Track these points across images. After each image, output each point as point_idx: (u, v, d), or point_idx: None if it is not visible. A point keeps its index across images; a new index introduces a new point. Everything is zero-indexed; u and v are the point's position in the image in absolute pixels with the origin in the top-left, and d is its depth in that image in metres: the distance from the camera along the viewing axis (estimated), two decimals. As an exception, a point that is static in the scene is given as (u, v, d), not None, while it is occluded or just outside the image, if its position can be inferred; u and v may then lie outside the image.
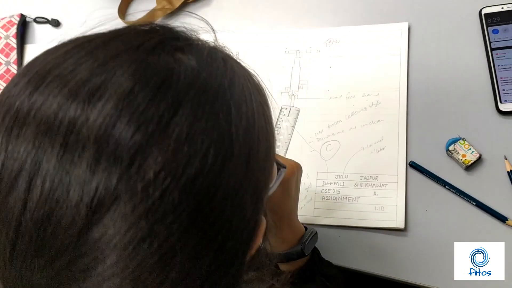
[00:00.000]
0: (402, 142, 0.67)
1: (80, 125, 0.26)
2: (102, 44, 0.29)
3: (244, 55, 0.81)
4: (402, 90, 0.70)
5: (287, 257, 0.58)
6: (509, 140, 0.64)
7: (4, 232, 0.26)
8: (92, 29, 0.31)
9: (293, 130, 0.73)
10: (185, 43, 0.31)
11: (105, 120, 0.26)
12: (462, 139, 0.64)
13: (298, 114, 0.74)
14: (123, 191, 0.25)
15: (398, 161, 0.66)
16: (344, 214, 0.66)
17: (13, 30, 0.91)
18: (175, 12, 0.86)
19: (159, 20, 0.87)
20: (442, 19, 0.73)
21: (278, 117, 0.74)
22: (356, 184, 0.67)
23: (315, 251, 0.61)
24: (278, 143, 0.72)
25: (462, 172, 0.64)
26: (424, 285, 0.60)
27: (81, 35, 0.31)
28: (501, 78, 0.66)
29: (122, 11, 0.89)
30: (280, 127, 0.73)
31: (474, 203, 0.61)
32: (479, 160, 0.63)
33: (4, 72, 0.89)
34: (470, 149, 0.63)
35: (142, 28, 0.31)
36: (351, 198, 0.66)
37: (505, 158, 0.63)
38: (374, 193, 0.66)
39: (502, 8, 0.70)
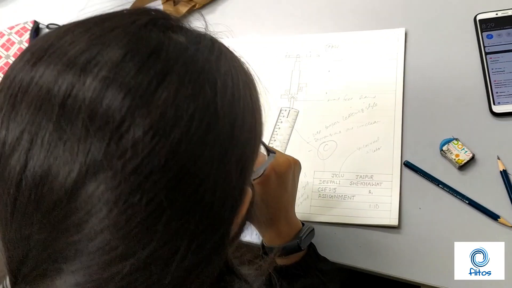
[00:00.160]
0: (397, 142, 0.69)
1: (75, 92, 0.28)
2: (99, 21, 0.32)
3: (246, 59, 0.84)
4: (398, 92, 0.72)
5: (283, 251, 0.59)
6: (502, 141, 0.65)
7: (6, 190, 0.29)
8: None
9: (291, 130, 0.75)
10: (176, 24, 0.34)
11: (97, 87, 0.28)
12: (456, 139, 0.66)
13: (297, 115, 0.76)
14: (114, 149, 0.27)
15: (393, 161, 0.68)
16: (339, 211, 0.67)
17: (27, 35, 0.95)
18: (181, 19, 0.90)
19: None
20: (438, 25, 0.75)
21: (278, 118, 0.76)
22: (352, 182, 0.69)
23: (312, 247, 0.62)
24: (277, 143, 0.74)
25: (455, 171, 0.65)
26: (416, 281, 0.61)
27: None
28: (495, 81, 0.68)
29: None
30: (279, 127, 0.75)
31: (467, 202, 0.62)
32: (472, 160, 0.64)
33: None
34: (464, 149, 0.65)
35: (137, 9, 0.34)
36: (347, 196, 0.68)
37: (498, 158, 0.64)
38: (369, 192, 0.67)
39: (497, 14, 0.72)
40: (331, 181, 0.70)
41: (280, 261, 0.61)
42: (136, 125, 0.28)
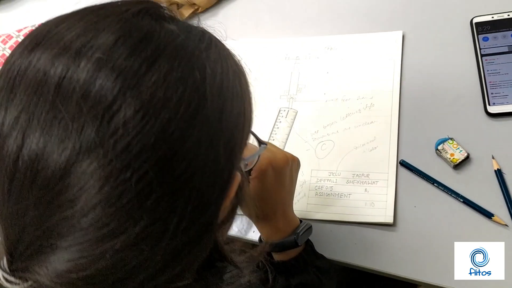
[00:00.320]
0: (394, 142, 0.70)
1: (70, 74, 0.30)
2: (95, 10, 0.33)
3: (247, 61, 0.86)
4: (395, 93, 0.73)
5: (280, 246, 0.60)
6: (496, 141, 0.66)
7: (4, 169, 0.30)
8: None
9: (290, 130, 0.76)
10: (169, 15, 0.36)
11: (91, 69, 0.30)
12: (451, 139, 0.67)
13: (296, 115, 0.77)
14: (106, 128, 0.29)
15: (389, 160, 0.69)
16: (336, 209, 0.68)
17: (34, 37, 0.97)
18: (184, 22, 0.92)
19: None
20: (436, 28, 0.77)
21: (277, 118, 0.78)
22: (349, 181, 0.70)
23: (309, 244, 0.63)
24: (276, 142, 0.75)
25: (450, 170, 0.66)
26: (411, 278, 0.62)
27: None
28: (490, 82, 0.69)
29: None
30: (278, 127, 0.77)
31: (461, 200, 0.63)
32: (467, 159, 0.65)
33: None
34: (458, 148, 0.66)
35: (132, 0, 0.35)
36: (343, 195, 0.69)
37: (493, 158, 0.65)
38: (365, 190, 0.68)
39: (493, 17, 0.74)
40: (328, 179, 0.71)
41: (277, 257, 0.62)
42: (127, 105, 0.29)
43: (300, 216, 0.67)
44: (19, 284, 0.33)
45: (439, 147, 0.66)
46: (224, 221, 0.38)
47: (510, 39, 0.71)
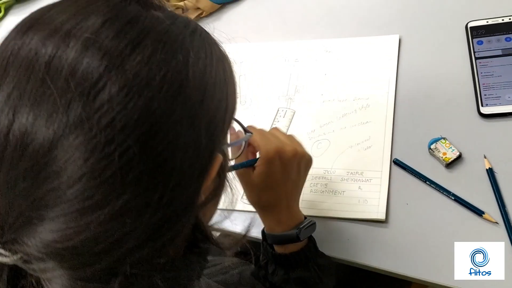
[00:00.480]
0: (388, 141, 0.71)
1: (60, 53, 0.32)
2: None
3: (248, 63, 0.88)
4: (391, 94, 0.75)
5: (281, 239, 0.61)
6: (489, 141, 0.67)
7: None
8: None
9: (287, 129, 0.78)
10: (157, 4, 0.38)
11: (79, 48, 0.32)
12: (444, 138, 0.68)
13: (293, 115, 0.79)
14: (92, 103, 0.31)
15: (383, 159, 0.70)
16: (329, 206, 0.69)
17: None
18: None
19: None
20: (431, 32, 0.78)
21: (275, 117, 0.80)
22: (343, 179, 0.71)
23: (312, 241, 0.64)
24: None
25: (442, 169, 0.67)
26: (400, 274, 0.62)
27: None
28: (483, 84, 0.70)
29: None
30: (276, 126, 0.78)
31: (453, 198, 0.64)
32: (459, 158, 0.66)
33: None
34: (451, 147, 0.67)
35: None
36: (337, 192, 0.70)
37: (485, 157, 0.66)
38: (359, 187, 0.69)
39: (487, 22, 0.75)
40: (323, 177, 0.72)
41: (279, 249, 0.62)
42: (112, 82, 0.31)
43: (294, 212, 0.69)
44: (9, 256, 0.34)
45: (432, 146, 0.68)
46: (206, 201, 0.39)
47: (504, 43, 0.73)
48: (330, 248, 0.66)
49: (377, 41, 0.81)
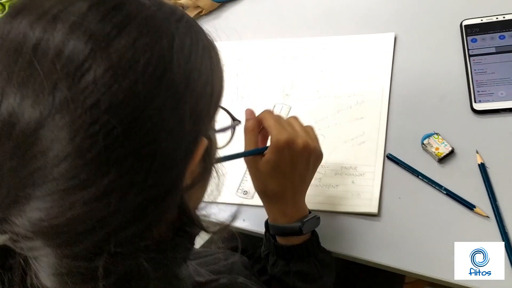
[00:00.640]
0: (382, 136, 0.72)
1: (47, 36, 0.32)
2: None
3: (246, 60, 0.89)
4: (385, 91, 0.76)
5: (283, 230, 0.62)
6: (481, 136, 0.68)
7: None
8: None
9: (283, 125, 0.79)
10: None
11: (65, 31, 0.32)
12: (437, 134, 0.69)
13: (289, 110, 0.80)
14: (77, 85, 0.31)
15: (377, 154, 0.71)
16: (323, 199, 0.70)
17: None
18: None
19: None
20: (427, 30, 0.80)
21: (271, 113, 0.80)
22: (337, 173, 0.72)
23: (315, 235, 0.64)
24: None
25: (435, 164, 0.68)
26: (391, 266, 0.63)
27: None
28: (477, 81, 0.71)
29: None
30: (271, 122, 0.79)
31: (445, 192, 0.65)
32: (451, 153, 0.67)
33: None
34: (444, 143, 0.68)
35: None
36: (331, 186, 0.71)
37: (477, 152, 0.66)
38: (353, 182, 0.70)
39: (482, 20, 0.76)
40: (317, 171, 0.72)
41: (281, 241, 0.63)
42: (97, 64, 0.32)
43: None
44: None
45: (425, 141, 0.68)
46: (191, 185, 0.40)
47: (498, 41, 0.74)
48: (323, 241, 0.67)
49: (373, 39, 0.82)
